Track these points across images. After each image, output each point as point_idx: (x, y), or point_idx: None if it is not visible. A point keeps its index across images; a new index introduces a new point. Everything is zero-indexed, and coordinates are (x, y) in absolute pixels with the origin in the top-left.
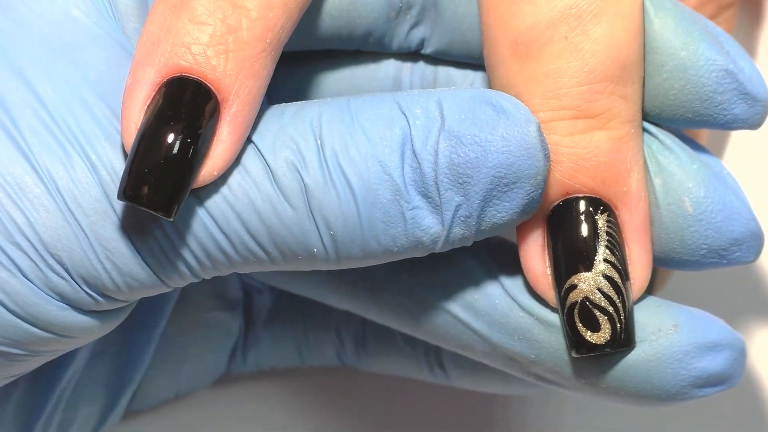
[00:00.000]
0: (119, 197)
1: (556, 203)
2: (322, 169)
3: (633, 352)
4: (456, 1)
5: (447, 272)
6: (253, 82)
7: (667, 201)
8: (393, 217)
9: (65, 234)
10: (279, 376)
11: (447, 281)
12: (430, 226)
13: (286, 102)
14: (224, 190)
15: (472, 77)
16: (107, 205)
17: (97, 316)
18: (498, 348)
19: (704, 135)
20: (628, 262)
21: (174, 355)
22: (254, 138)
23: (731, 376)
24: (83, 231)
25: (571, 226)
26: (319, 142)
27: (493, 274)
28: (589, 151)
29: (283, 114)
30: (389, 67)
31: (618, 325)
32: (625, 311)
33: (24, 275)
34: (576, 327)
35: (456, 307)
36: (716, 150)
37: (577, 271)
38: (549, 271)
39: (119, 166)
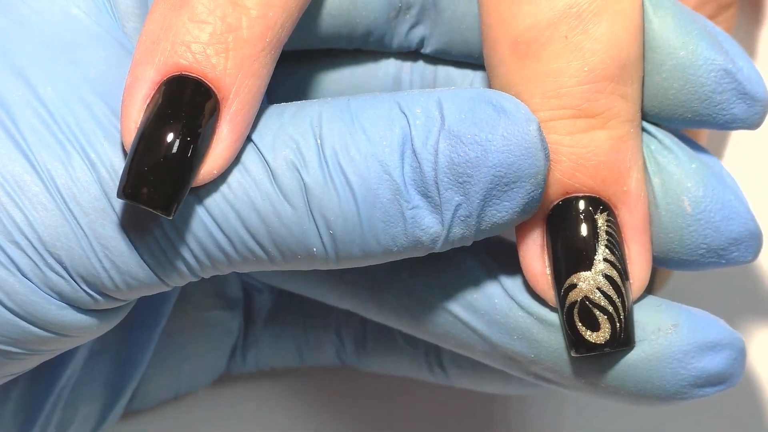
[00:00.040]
0: (119, 195)
1: (555, 203)
2: (322, 169)
3: (632, 352)
4: (456, 1)
5: (447, 272)
6: (253, 81)
7: (666, 200)
8: (393, 216)
9: (64, 233)
10: (279, 375)
11: (447, 281)
12: (429, 226)
13: (286, 101)
14: (224, 188)
15: (471, 77)
16: (106, 204)
17: (96, 315)
18: (497, 347)
19: (704, 135)
20: (628, 261)
21: (174, 354)
22: (254, 137)
23: (731, 376)
24: (82, 230)
25: (570, 226)
26: (319, 141)
27: (492, 274)
28: (589, 151)
29: (282, 113)
30: (389, 66)
31: (618, 325)
32: (624, 311)
33: (23, 274)
34: (576, 326)
35: (456, 306)
36: (715, 150)
37: (576, 271)
38: (548, 271)
39: (119, 164)
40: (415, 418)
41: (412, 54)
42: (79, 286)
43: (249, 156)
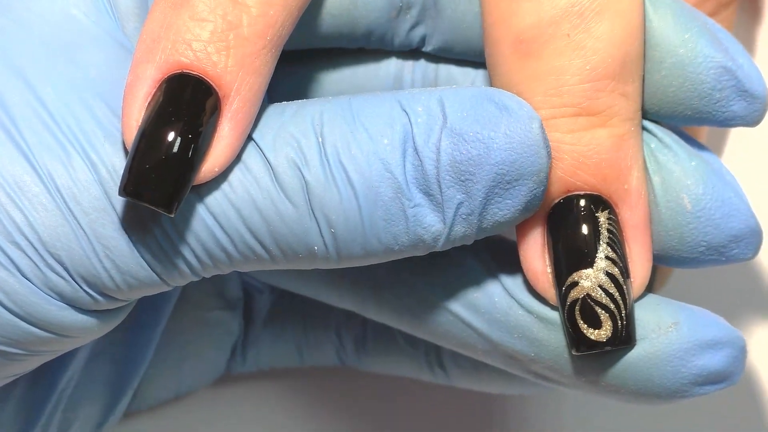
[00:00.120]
0: (120, 194)
1: (556, 201)
2: (324, 167)
3: (633, 350)
4: (456, 0)
5: (447, 270)
6: (254, 79)
7: (666, 198)
8: (394, 214)
9: (64, 233)
10: (279, 376)
11: (447, 279)
12: (431, 224)
13: (287, 101)
14: (225, 187)
15: (473, 75)
16: (107, 204)
17: (97, 315)
18: (498, 346)
19: (704, 132)
20: (628, 259)
21: (174, 354)
22: (255, 136)
23: (731, 374)
24: (83, 230)
25: (572, 224)
26: (320, 139)
27: (493, 273)
28: (591, 149)
29: (283, 112)
30: (390, 65)
31: (619, 323)
32: (626, 308)
33: (23, 275)
34: (577, 324)
35: (456, 305)
36: (715, 147)
37: (578, 269)
38: (549, 270)
39: (119, 165)
40: (415, 418)
41: (413, 53)
42: (80, 286)
43: (250, 154)
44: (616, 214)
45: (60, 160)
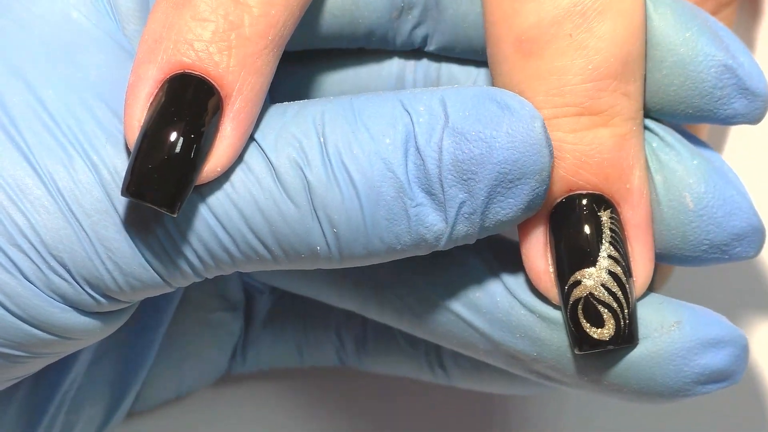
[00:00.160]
0: (123, 194)
1: (558, 200)
2: (325, 167)
3: (636, 349)
4: (458, 0)
5: (449, 270)
6: (255, 79)
7: (668, 197)
8: (396, 214)
9: (66, 235)
10: (280, 376)
11: (449, 279)
12: (433, 223)
13: (288, 101)
14: (227, 188)
15: (475, 74)
16: (109, 206)
17: (100, 317)
18: (500, 346)
19: (705, 130)
20: (631, 259)
21: (175, 354)
22: (256, 136)
23: (734, 373)
24: (85, 232)
25: (574, 223)
26: (321, 139)
27: (495, 272)
28: (593, 148)
29: (285, 112)
30: (392, 65)
31: (622, 322)
32: (628, 307)
33: (25, 277)
34: (580, 323)
35: (458, 305)
36: (717, 145)
37: (581, 268)
38: (551, 269)
39: (121, 166)
40: (415, 419)
41: (415, 52)
42: (83, 288)
43: (252, 155)
44: (618, 214)
45: (61, 161)
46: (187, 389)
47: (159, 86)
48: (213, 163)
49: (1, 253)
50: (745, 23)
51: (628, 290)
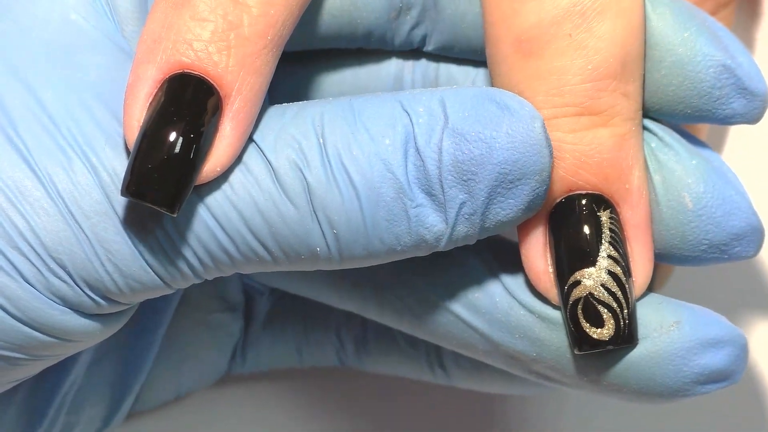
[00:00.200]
0: (122, 193)
1: (558, 200)
2: (325, 168)
3: (635, 350)
4: (456, 0)
5: (449, 270)
6: (255, 79)
7: (667, 197)
8: (396, 215)
9: (66, 237)
10: (279, 377)
11: (449, 279)
12: (433, 224)
13: (288, 103)
14: (226, 189)
15: (473, 75)
16: (108, 207)
17: (100, 319)
18: (499, 347)
19: (705, 130)
20: (630, 259)
21: (175, 355)
22: (256, 137)
23: (733, 373)
24: (84, 233)
25: (574, 223)
26: (321, 140)
27: (494, 273)
28: (592, 148)
29: (284, 113)
30: (391, 66)
31: (621, 322)
32: (628, 307)
33: (25, 279)
34: (579, 323)
35: (457, 305)
36: (716, 145)
37: (580, 268)
38: (551, 269)
39: (120, 168)
40: (415, 419)
41: (413, 52)
42: (82, 290)
43: (251, 156)
44: (617, 214)
45: (60, 164)
46: (186, 390)
47: (158, 86)
48: (212, 163)
49: (1, 255)
50: (743, 23)
51: (627, 290)
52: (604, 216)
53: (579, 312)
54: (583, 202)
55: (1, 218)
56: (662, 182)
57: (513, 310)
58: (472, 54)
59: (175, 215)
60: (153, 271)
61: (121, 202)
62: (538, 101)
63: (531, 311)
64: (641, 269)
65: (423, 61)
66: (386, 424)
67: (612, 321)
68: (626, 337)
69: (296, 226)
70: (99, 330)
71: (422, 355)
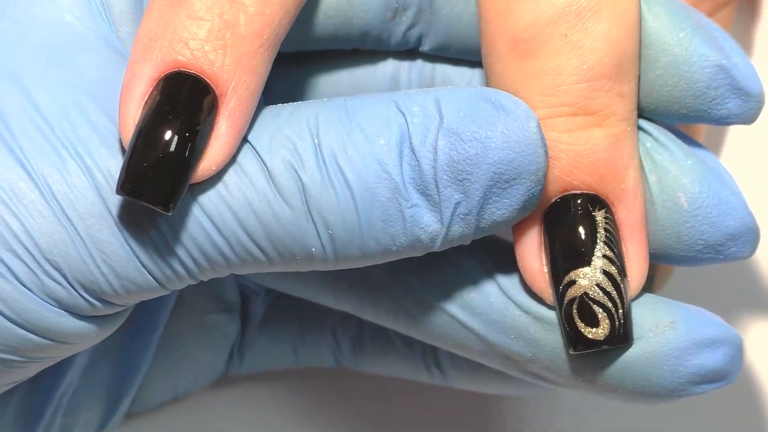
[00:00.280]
0: (117, 192)
1: (553, 200)
2: (320, 168)
3: (630, 350)
4: (452, 1)
5: (444, 270)
6: (251, 78)
7: (662, 197)
8: (392, 215)
9: (61, 239)
10: (276, 377)
11: (444, 280)
12: (429, 224)
13: (283, 103)
14: (221, 190)
15: (469, 75)
16: (103, 209)
17: (95, 321)
18: (494, 347)
19: (702, 131)
20: (625, 259)
21: (172, 357)
22: (250, 138)
23: (729, 373)
24: (79, 235)
25: (569, 222)
26: (316, 141)
27: (489, 273)
28: (588, 148)
29: (279, 114)
30: (387, 66)
31: (616, 321)
32: (623, 307)
33: (20, 282)
34: (575, 323)
35: (453, 306)
36: (713, 145)
37: (575, 267)
38: (546, 269)
39: (115, 169)
40: (411, 419)
41: (409, 52)
42: (78, 292)
43: (246, 157)
44: (612, 214)
45: (55, 165)
46: (184, 391)
47: (154, 84)
48: (208, 162)
49: None
50: (742, 23)
51: (622, 290)
52: (599, 216)
53: (574, 312)
54: (579, 201)
55: None
56: (657, 182)
57: (508, 310)
58: (467, 54)
59: (170, 214)
60: (148, 272)
61: (115, 203)
62: (533, 101)
63: (526, 312)
64: (636, 269)
65: (419, 62)
66: (382, 424)
67: (607, 321)
68: (621, 336)
69: (291, 227)
70: (94, 332)
71: (418, 356)
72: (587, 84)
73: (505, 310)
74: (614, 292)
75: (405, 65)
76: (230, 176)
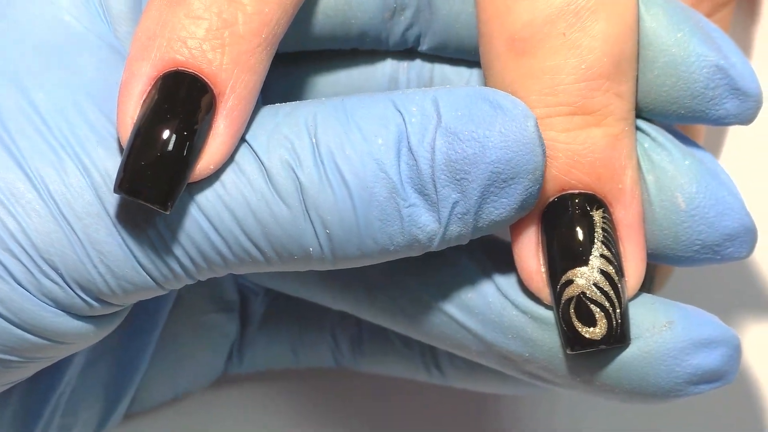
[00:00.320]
0: (115, 191)
1: (551, 200)
2: (318, 168)
3: (627, 350)
4: (450, 0)
5: (442, 270)
6: (249, 77)
7: (660, 197)
8: (389, 215)
9: (58, 239)
10: (276, 377)
11: (442, 280)
12: (426, 224)
13: (281, 103)
14: (219, 189)
15: (467, 75)
16: (100, 209)
17: (92, 321)
18: (492, 347)
19: (702, 132)
20: (623, 258)
21: (171, 357)
22: (248, 137)
23: (726, 373)
24: (76, 235)
25: (566, 222)
26: (314, 140)
27: (487, 273)
28: (586, 148)
29: (277, 113)
30: (385, 66)
31: (614, 321)
32: (620, 306)
33: (17, 282)
34: (572, 322)
35: (450, 306)
36: (711, 146)
37: (573, 267)
38: (543, 269)
39: (112, 169)
40: (409, 419)
41: (408, 52)
42: (75, 292)
43: (243, 156)
44: (610, 213)
45: (53, 165)
46: (183, 391)
47: (152, 83)
48: (206, 161)
49: None
50: (742, 23)
51: (620, 290)
52: (597, 215)
53: (571, 311)
54: (576, 201)
55: None
56: (655, 182)
57: (506, 310)
58: (466, 54)
59: (167, 213)
60: (145, 271)
61: (113, 203)
62: (531, 100)
63: (524, 311)
64: (634, 269)
65: (417, 62)
66: (382, 424)
67: (604, 320)
68: (618, 336)
69: (289, 227)
70: (92, 332)
71: (417, 355)
72: (585, 83)
73: (502, 309)
74: (611, 292)
75: (403, 65)
76: (228, 175)
